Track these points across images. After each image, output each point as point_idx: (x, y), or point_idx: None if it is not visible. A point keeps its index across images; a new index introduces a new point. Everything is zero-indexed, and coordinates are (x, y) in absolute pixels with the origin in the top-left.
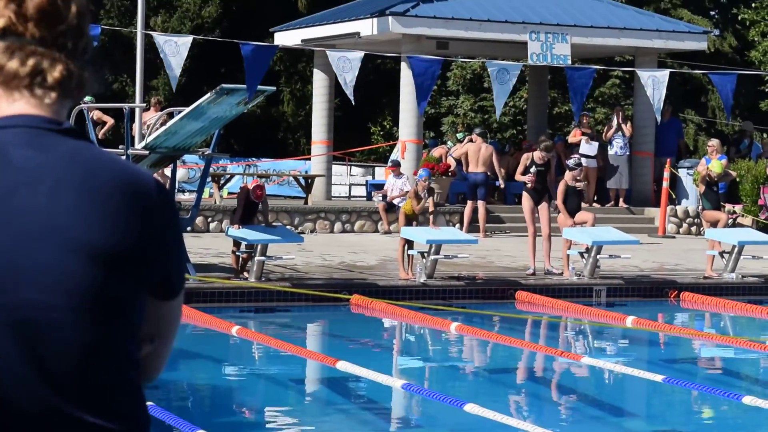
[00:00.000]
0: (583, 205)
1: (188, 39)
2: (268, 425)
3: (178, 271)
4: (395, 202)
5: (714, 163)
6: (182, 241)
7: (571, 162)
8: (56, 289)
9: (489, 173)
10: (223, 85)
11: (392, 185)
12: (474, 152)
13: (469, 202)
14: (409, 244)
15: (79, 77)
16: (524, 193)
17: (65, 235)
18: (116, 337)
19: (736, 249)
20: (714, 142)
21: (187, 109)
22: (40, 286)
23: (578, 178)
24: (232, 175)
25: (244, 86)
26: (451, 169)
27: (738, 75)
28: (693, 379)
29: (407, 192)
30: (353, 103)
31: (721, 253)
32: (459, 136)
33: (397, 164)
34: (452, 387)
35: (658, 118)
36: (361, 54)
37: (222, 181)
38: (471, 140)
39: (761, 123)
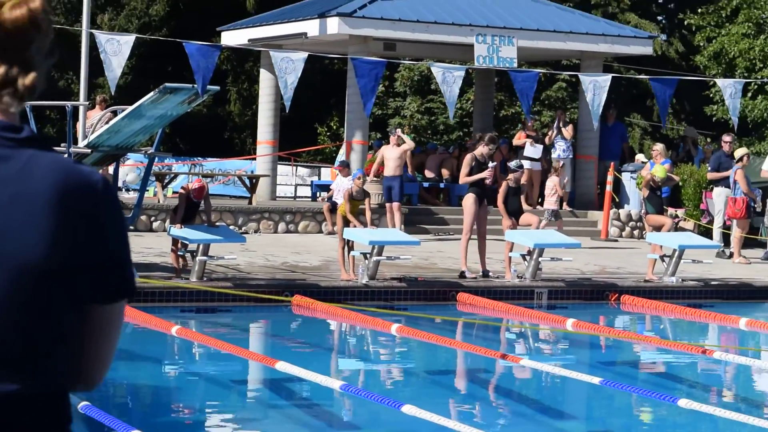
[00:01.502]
0: (526, 207)
1: (131, 38)
2: (206, 425)
3: (121, 272)
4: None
5: (657, 168)
6: (127, 242)
7: (512, 164)
8: None
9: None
10: (167, 84)
11: (340, 186)
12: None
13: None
14: (350, 245)
15: (42, 80)
16: (469, 194)
17: (12, 254)
18: (44, 347)
19: (676, 253)
20: (658, 147)
21: (130, 108)
22: None
23: (520, 181)
24: (177, 174)
25: (189, 85)
26: None
27: (684, 80)
28: (631, 381)
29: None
30: (286, 111)
31: (662, 257)
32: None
33: (345, 165)
34: (391, 388)
35: (595, 124)
36: (304, 55)
37: (166, 180)
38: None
39: (706, 128)
